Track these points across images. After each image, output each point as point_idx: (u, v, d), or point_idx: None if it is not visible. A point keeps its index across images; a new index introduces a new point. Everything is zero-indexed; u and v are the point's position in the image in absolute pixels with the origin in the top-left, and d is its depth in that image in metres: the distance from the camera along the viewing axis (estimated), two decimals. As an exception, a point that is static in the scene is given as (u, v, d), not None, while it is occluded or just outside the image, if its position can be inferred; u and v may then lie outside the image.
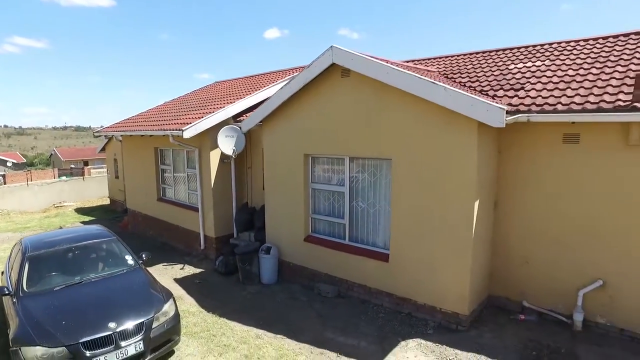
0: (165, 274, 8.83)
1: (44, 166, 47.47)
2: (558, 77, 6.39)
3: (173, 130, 8.90)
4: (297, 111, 7.40)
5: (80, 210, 16.61)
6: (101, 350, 4.62)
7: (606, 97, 5.27)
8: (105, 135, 12.75)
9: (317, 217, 7.64)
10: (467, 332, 5.75)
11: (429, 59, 9.97)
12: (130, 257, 6.39)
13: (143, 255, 6.55)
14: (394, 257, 6.40)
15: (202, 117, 8.98)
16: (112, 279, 5.82)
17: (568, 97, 5.63)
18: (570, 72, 6.41)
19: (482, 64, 8.30)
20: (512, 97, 6.15)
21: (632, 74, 5.68)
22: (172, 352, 5.49)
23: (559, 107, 5.45)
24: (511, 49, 8.73)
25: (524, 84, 6.51)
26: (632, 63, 6.07)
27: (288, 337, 5.90)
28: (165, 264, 9.54)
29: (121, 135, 11.93)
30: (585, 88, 5.73)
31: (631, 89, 5.25)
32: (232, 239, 9.45)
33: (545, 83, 6.31)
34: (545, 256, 5.92)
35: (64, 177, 24.36)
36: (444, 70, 8.53)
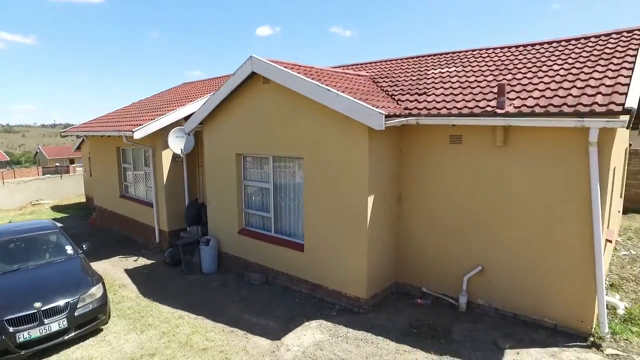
0: (119, 265, 9.57)
1: (30, 164, 48.27)
2: (459, 83, 7.09)
3: (126, 131, 9.61)
4: (230, 114, 8.11)
5: (56, 208, 17.37)
6: (25, 326, 5.34)
7: (482, 104, 5.98)
8: (74, 135, 13.45)
9: (249, 211, 8.37)
10: (366, 314, 6.47)
11: (367, 64, 10.68)
12: (70, 247, 7.11)
13: (84, 246, 7.28)
14: (308, 247, 7.13)
15: (153, 119, 9.69)
16: (49, 266, 6.56)
17: (456, 102, 6.33)
18: (471, 79, 7.12)
19: (408, 68, 9.00)
20: (412, 102, 6.85)
21: (514, 83, 6.38)
22: (100, 330, 6.21)
23: (443, 111, 6.16)
24: (439, 54, 9.44)
25: (429, 89, 7.21)
26: (520, 72, 6.75)
27: (208, 318, 6.63)
28: (122, 256, 10.26)
29: (85, 136, 12.63)
30: (474, 94, 6.43)
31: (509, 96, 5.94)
32: (182, 233, 10.18)
33: (446, 88, 7.01)
34: (440, 245, 6.63)
35: (48, 175, 25.06)
36: (375, 74, 9.23)
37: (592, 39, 7.29)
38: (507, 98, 5.85)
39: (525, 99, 5.71)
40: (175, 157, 10.23)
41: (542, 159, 5.49)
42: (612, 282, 6.94)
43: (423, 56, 9.74)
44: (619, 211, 8.71)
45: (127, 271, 9.13)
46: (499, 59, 7.76)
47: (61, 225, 14.12)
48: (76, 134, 12.40)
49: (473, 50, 8.97)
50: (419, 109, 6.44)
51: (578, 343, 5.33)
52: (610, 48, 6.56)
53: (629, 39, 6.73)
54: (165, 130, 9.80)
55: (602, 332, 5.29)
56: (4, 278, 6.12)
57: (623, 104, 4.70)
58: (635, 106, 4.66)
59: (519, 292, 5.90)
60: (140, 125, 9.54)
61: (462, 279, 6.34)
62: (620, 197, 9.95)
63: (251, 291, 7.64)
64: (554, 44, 7.70)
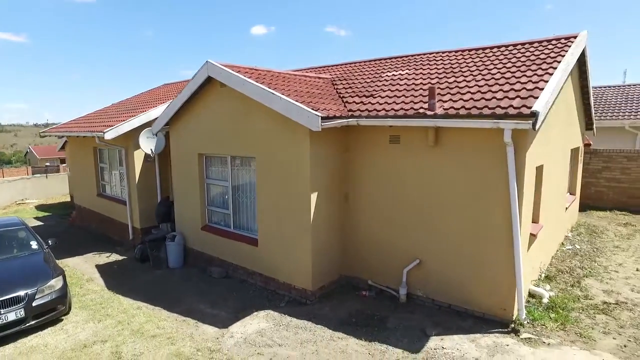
0: (91, 261, 9.97)
1: (20, 164, 48.77)
2: (406, 85, 7.48)
3: (97, 132, 10.00)
4: (192, 116, 8.51)
5: (40, 207, 17.76)
6: (-17, 315, 5.75)
7: (417, 106, 6.38)
8: (53, 135, 13.84)
9: (211, 208, 8.77)
10: (312, 305, 6.86)
11: (332, 66, 11.08)
12: (35, 243, 7.51)
13: (49, 242, 7.70)
14: (261, 242, 7.53)
15: (125, 120, 10.08)
16: (13, 260, 6.96)
17: (396, 104, 6.73)
18: (417, 82, 7.51)
19: (366, 71, 9.40)
20: (358, 103, 7.25)
21: (453, 85, 6.78)
22: (60, 320, 6.60)
23: (381, 113, 6.56)
24: (398, 57, 9.83)
25: (377, 91, 7.61)
26: (463, 75, 7.15)
27: (164, 309, 7.02)
28: (95, 252, 10.66)
29: (62, 136, 13.03)
30: (414, 96, 6.83)
31: (445, 99, 6.35)
32: (153, 230, 10.57)
33: (393, 91, 7.41)
34: (383, 240, 7.02)
35: (37, 175, 25.42)
36: (337, 77, 9.61)
37: (535, 44, 7.69)
38: (441, 100, 6.26)
39: (456, 101, 6.11)
40: (147, 156, 10.62)
41: (469, 158, 5.89)
42: (548, 274, 7.34)
43: (383, 59, 10.14)
44: (566, 208, 9.10)
45: (98, 266, 9.52)
46: (449, 62, 8.15)
47: (41, 223, 14.56)
48: (54, 134, 12.81)
49: (429, 54, 9.37)
50: (361, 111, 6.85)
51: (500, 329, 5.73)
52: (545, 54, 6.97)
53: (562, 46, 7.14)
54: (138, 130, 10.19)
55: (521, 319, 5.70)
56: (-32, 271, 6.52)
57: (531, 107, 5.11)
58: (541, 109, 5.06)
59: (452, 284, 6.30)
60: (112, 126, 9.94)
61: (402, 271, 6.74)
62: (573, 194, 10.38)
63: (210, 284, 8.04)
64: (502, 48, 8.10)
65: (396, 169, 6.70)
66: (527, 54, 7.30)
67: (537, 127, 5.04)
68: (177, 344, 5.77)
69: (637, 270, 7.69)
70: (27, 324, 6.08)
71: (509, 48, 7.94)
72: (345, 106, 7.26)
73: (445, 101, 6.23)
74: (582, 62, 8.50)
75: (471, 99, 6.01)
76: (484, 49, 8.47)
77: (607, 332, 5.59)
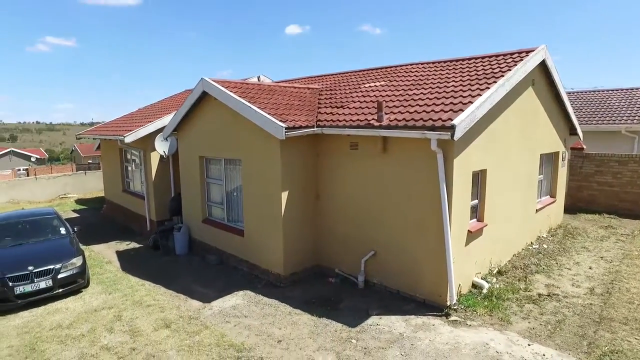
0: (113, 248, 11.81)
1: (67, 161, 53.54)
2: (376, 97, 8.60)
3: (119, 136, 11.83)
4: (195, 123, 10.06)
5: (79, 201, 20.24)
6: (21, 282, 7.54)
7: (369, 117, 7.51)
8: (88, 137, 16.00)
9: (210, 204, 10.30)
10: (284, 288, 8.17)
11: (326, 76, 12.33)
12: (64, 229, 9.34)
13: (75, 228, 9.50)
14: (246, 233, 8.94)
15: (142, 126, 11.85)
16: (45, 242, 8.80)
17: (358, 115, 7.89)
18: (387, 93, 8.60)
19: (350, 81, 10.59)
20: (328, 114, 8.46)
21: (408, 97, 7.84)
22: (80, 291, 8.34)
23: (342, 123, 7.74)
24: (382, 68, 10.94)
25: (349, 102, 8.78)
26: (424, 87, 8.18)
27: (163, 286, 8.59)
28: (118, 241, 12.52)
29: (94, 138, 15.12)
30: (374, 108, 7.95)
31: (393, 111, 7.45)
32: (166, 222, 12.29)
33: (362, 102, 8.56)
34: (347, 234, 8.21)
35: (81, 172, 28.38)
36: (325, 87, 10.86)
37: (495, 58, 8.57)
38: (392, 112, 7.37)
39: (403, 113, 7.19)
40: (161, 157, 12.35)
41: (409, 163, 6.97)
42: (501, 269, 8.21)
43: (370, 69, 11.27)
44: (537, 210, 9.83)
45: (117, 252, 11.33)
46: (420, 75, 9.18)
47: (77, 215, 16.84)
48: (87, 136, 14.91)
49: (407, 65, 10.41)
50: (327, 121, 8.07)
51: (434, 313, 6.78)
52: (493, 68, 7.87)
53: (510, 60, 8.00)
54: (154, 135, 11.91)
55: (452, 304, 6.72)
56: (11, 249, 8.41)
57: (452, 121, 6.13)
58: (459, 123, 6.05)
59: (400, 273, 7.39)
60: (132, 130, 11.73)
61: (361, 261, 7.90)
62: (553, 197, 11.00)
63: (206, 269, 9.56)
64: (468, 61, 9.03)
65: (355, 172, 7.87)
66: (482, 68, 8.20)
67: (455, 137, 6.06)
68: (166, 312, 7.28)
69: (590, 268, 8.39)
70: (54, 292, 7.83)
71: (472, 61, 8.87)
72: (316, 116, 8.50)
73: (395, 113, 7.32)
74: (547, 72, 9.23)
75: (415, 111, 7.07)
76: (453, 61, 9.42)
77: (526, 317, 6.50)
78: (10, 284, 7.47)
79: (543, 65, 8.97)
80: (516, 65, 7.72)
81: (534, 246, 9.56)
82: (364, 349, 5.82)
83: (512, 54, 8.54)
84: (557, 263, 8.70)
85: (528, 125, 8.95)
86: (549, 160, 10.79)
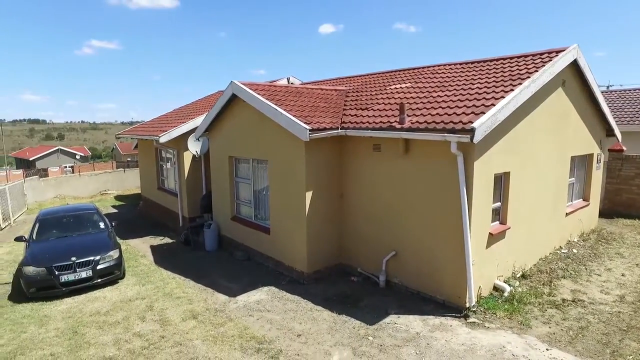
0: (148, 242, 12.54)
1: (108, 159, 56.46)
2: (400, 99, 8.74)
3: (154, 136, 12.53)
4: (225, 124, 10.55)
5: (118, 197, 21.47)
6: (65, 272, 8.25)
7: (392, 119, 7.67)
8: (126, 137, 16.96)
9: (239, 202, 10.76)
10: (307, 285, 8.48)
11: (356, 77, 12.54)
12: (103, 223, 10.07)
13: (113, 223, 10.21)
14: (272, 231, 9.31)
15: (176, 126, 12.50)
16: (86, 235, 9.54)
17: (381, 117, 8.07)
18: (412, 95, 8.72)
19: (377, 83, 10.75)
20: (353, 116, 8.69)
21: (431, 100, 7.94)
22: (116, 282, 8.99)
23: (365, 125, 7.95)
24: (409, 69, 11.03)
25: (374, 104, 8.96)
26: (448, 89, 8.25)
27: (192, 280, 9.11)
28: (152, 236, 13.27)
29: (132, 138, 16.01)
30: (397, 110, 8.10)
31: (416, 113, 7.58)
32: (197, 219, 12.89)
33: (386, 104, 8.72)
34: (369, 233, 8.41)
35: (120, 169, 29.94)
36: (352, 88, 11.08)
37: (523, 58, 8.51)
38: (414, 115, 7.50)
39: (425, 115, 7.31)
40: (194, 157, 12.97)
41: (430, 165, 7.09)
42: (525, 272, 8.15)
43: (397, 71, 11.39)
44: (567, 213, 9.62)
45: (151, 247, 12.03)
46: (446, 76, 9.24)
47: (116, 210, 17.85)
48: (125, 136, 15.84)
49: (434, 66, 10.46)
50: (351, 123, 8.29)
51: (453, 314, 6.87)
52: (520, 69, 7.84)
53: (538, 61, 7.93)
54: (187, 135, 12.54)
55: (471, 306, 6.79)
56: (57, 240, 9.20)
57: (472, 123, 6.21)
58: (479, 126, 6.12)
59: (421, 273, 7.52)
60: (166, 131, 12.40)
61: (382, 261, 8.08)
62: (587, 200, 10.69)
63: (233, 265, 10.02)
64: (496, 62, 9.01)
65: (377, 173, 8.05)
66: (509, 69, 8.19)
67: (475, 140, 6.14)
68: (194, 304, 7.75)
69: (623, 275, 8.17)
70: (94, 282, 8.50)
71: (500, 62, 8.86)
72: (341, 118, 8.74)
73: (417, 115, 7.46)
74: (580, 72, 9.03)
75: (437, 113, 7.18)
76: (481, 62, 9.43)
77: (547, 322, 6.48)
78: (57, 272, 8.18)
79: (575, 65, 8.80)
80: (544, 66, 7.66)
81: (562, 250, 9.38)
82: (380, 346, 6.02)
83: (541, 54, 8.46)
84: (586, 269, 8.53)
85: (557, 126, 8.81)
86: (581, 163, 10.52)
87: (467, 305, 6.86)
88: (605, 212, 12.27)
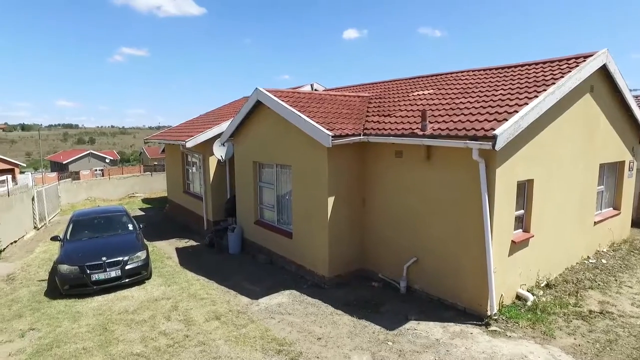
0: (173, 245, 12.97)
1: (136, 163, 58.33)
2: (422, 105, 8.80)
3: (181, 141, 12.98)
4: (249, 130, 10.85)
5: (146, 200, 22.20)
6: (96, 270, 8.67)
7: (414, 126, 7.75)
8: (154, 142, 17.59)
9: (262, 206, 11.01)
10: (328, 289, 8.61)
11: (378, 83, 12.65)
12: (131, 225, 10.51)
13: (140, 225, 10.65)
14: (295, 235, 9.50)
15: (202, 132, 12.92)
16: (116, 236, 9.99)
17: (403, 123, 8.16)
18: (434, 101, 8.78)
19: (400, 89, 10.83)
20: (375, 122, 8.80)
21: (454, 106, 7.98)
22: (143, 282, 9.36)
23: (387, 132, 8.05)
24: (432, 75, 11.07)
25: (397, 110, 9.06)
26: (470, 96, 8.27)
27: (216, 282, 9.39)
28: (177, 238, 13.70)
29: (160, 143, 16.60)
30: (419, 117, 8.17)
31: (438, 120, 7.64)
32: (221, 222, 13.24)
33: (408, 110, 8.81)
34: (391, 239, 8.48)
35: (147, 173, 30.91)
36: (375, 95, 11.20)
37: (549, 64, 8.45)
38: (436, 121, 7.56)
39: (447, 122, 7.36)
40: (219, 161, 13.35)
41: (452, 172, 7.12)
42: (549, 282, 8.03)
43: (419, 77, 11.44)
44: (595, 222, 9.41)
45: (177, 249, 12.43)
46: (468, 82, 9.25)
47: (143, 213, 18.46)
48: (153, 141, 16.44)
49: (457, 73, 10.48)
50: (373, 129, 8.41)
51: (474, 322, 6.86)
52: (545, 75, 7.79)
53: (565, 67, 7.86)
54: (212, 140, 12.93)
55: (492, 314, 6.77)
56: (89, 241, 9.68)
57: (494, 130, 6.23)
58: (501, 133, 6.14)
59: (442, 280, 7.54)
60: (192, 136, 12.83)
61: (403, 267, 8.13)
62: (617, 209, 10.41)
63: (256, 268, 10.26)
64: (520, 67, 8.96)
65: (399, 179, 8.13)
66: (533, 74, 8.14)
67: (497, 147, 6.16)
68: (217, 305, 8.00)
69: (654, 288, 7.93)
70: (123, 281, 8.89)
71: (525, 67, 8.82)
72: (364, 125, 8.87)
73: (439, 122, 7.51)
74: (610, 78, 8.87)
75: (459, 120, 7.22)
76: (505, 67, 9.41)
77: (572, 333, 6.39)
78: (88, 271, 8.61)
79: (604, 70, 8.66)
80: (570, 71, 7.59)
81: (590, 260, 9.18)
82: (399, 352, 6.09)
83: (567, 59, 8.37)
84: (616, 280, 8.32)
85: (585, 133, 8.68)
86: (611, 170, 10.27)
87: (489, 313, 6.84)
88: (639, 222, 11.89)
